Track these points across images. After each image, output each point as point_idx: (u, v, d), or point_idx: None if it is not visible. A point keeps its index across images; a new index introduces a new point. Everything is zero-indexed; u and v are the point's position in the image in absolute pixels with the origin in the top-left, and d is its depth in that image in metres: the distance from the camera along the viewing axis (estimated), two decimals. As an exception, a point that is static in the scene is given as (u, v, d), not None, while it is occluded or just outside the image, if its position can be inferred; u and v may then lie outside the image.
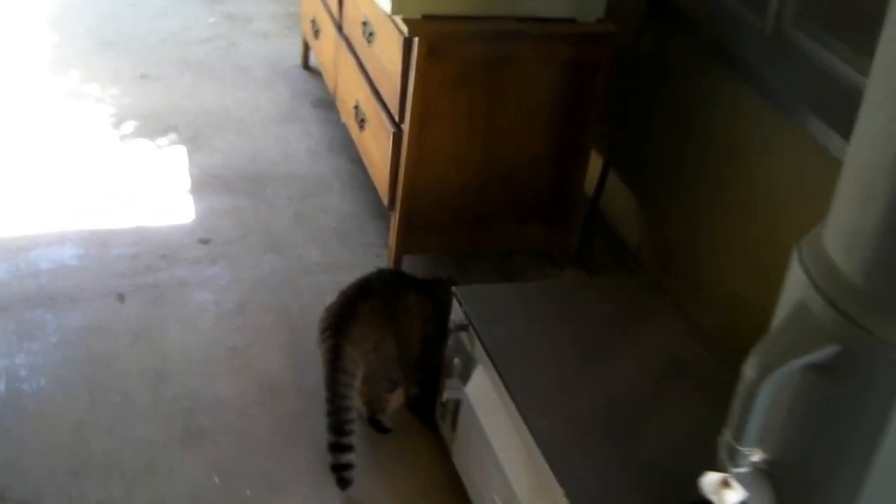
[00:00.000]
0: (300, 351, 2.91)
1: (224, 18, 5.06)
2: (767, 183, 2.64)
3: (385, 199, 3.20)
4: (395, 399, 2.72)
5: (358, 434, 2.51)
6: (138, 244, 3.30)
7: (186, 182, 3.65)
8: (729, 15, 2.84)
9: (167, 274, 3.18)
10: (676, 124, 3.04)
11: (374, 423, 2.68)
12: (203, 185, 3.65)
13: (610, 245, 3.38)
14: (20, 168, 3.64)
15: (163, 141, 3.90)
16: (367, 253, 3.38)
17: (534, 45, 2.98)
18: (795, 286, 1.55)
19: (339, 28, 3.70)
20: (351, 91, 3.53)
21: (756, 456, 1.61)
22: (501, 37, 2.94)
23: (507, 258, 3.41)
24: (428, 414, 2.69)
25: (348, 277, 3.09)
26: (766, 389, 1.53)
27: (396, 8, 2.87)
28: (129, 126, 3.97)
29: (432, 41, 2.87)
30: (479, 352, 2.36)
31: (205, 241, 3.34)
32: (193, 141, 3.92)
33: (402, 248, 3.22)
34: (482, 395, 2.36)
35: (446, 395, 2.49)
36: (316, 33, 4.08)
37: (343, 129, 3.83)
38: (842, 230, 1.46)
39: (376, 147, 3.25)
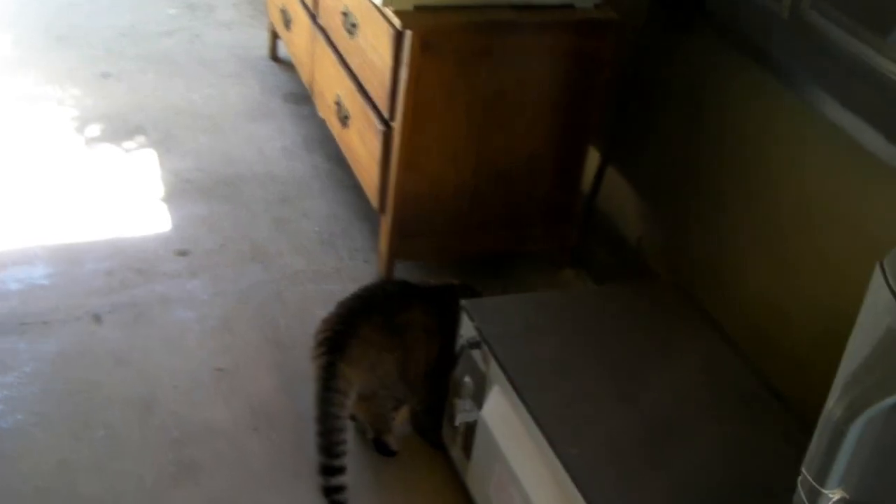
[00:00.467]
0: (290, 370, 2.73)
1: (185, 8, 4.83)
2: (787, 175, 2.49)
3: (374, 202, 3.02)
4: (401, 418, 2.54)
5: (359, 453, 2.40)
6: (112, 258, 3.09)
7: (159, 188, 3.44)
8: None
9: (145, 290, 2.97)
10: (683, 115, 2.88)
11: (379, 445, 2.52)
12: (176, 190, 3.44)
13: (608, 241, 3.21)
14: (-21, 179, 3.41)
15: (130, 144, 3.68)
16: (354, 258, 3.19)
17: (531, 36, 2.80)
18: (881, 311, 1.39)
19: (314, 18, 3.49)
20: (331, 86, 3.33)
21: (837, 496, 1.46)
22: (497, 28, 2.76)
23: (503, 259, 3.23)
24: (435, 434, 2.52)
25: (335, 286, 2.93)
26: (855, 430, 1.38)
27: (388, 0, 2.67)
28: (94, 129, 3.75)
29: (426, 34, 2.69)
30: (494, 371, 2.19)
31: (182, 253, 3.14)
32: (163, 143, 3.70)
33: (394, 254, 3.04)
34: (501, 418, 2.19)
35: (459, 418, 2.31)
36: (287, 24, 3.87)
37: (318, 124, 3.63)
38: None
39: (363, 146, 3.06)
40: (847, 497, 1.46)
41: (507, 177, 3.01)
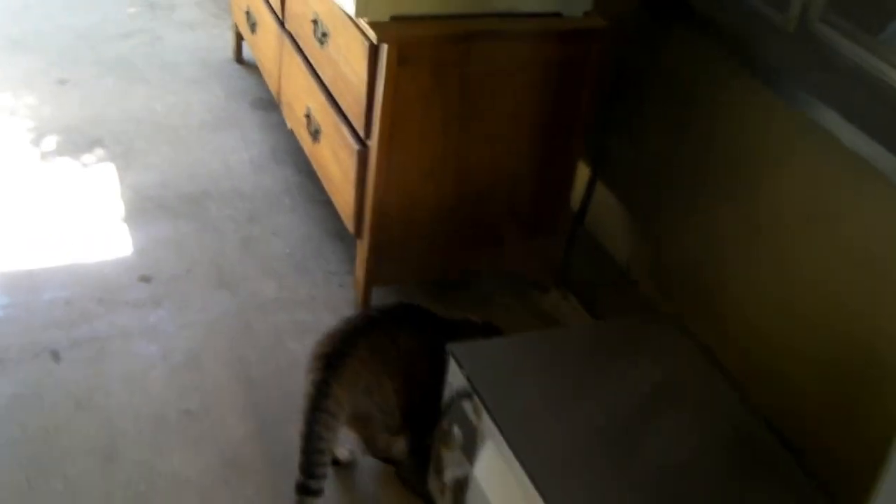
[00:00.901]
0: (263, 411, 2.55)
1: (144, 8, 4.61)
2: (791, 197, 2.33)
3: (350, 226, 2.82)
4: (398, 445, 2.37)
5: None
6: (71, 286, 2.89)
7: (119, 207, 3.24)
8: (743, 9, 2.48)
9: (106, 322, 2.77)
10: (678, 130, 2.70)
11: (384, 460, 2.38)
12: (138, 209, 3.23)
13: (596, 262, 3.03)
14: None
15: (89, 158, 3.47)
16: (328, 283, 3.00)
17: (516, 46, 2.62)
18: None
19: (282, 24, 3.29)
20: (300, 97, 3.13)
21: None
22: (481, 38, 2.57)
23: (485, 281, 3.05)
24: (419, 482, 2.34)
25: (309, 316, 2.77)
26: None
27: (361, 10, 2.47)
28: (51, 142, 3.53)
29: (403, 47, 2.49)
30: (488, 426, 2.01)
31: (146, 279, 2.94)
32: (124, 156, 3.49)
33: (372, 279, 2.85)
34: (496, 478, 2.01)
35: (448, 473, 2.13)
36: (252, 27, 3.66)
37: (287, 132, 3.43)
38: None
39: (336, 165, 2.86)
40: None
41: (489, 194, 2.83)
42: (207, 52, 4.24)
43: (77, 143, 3.54)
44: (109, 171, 3.41)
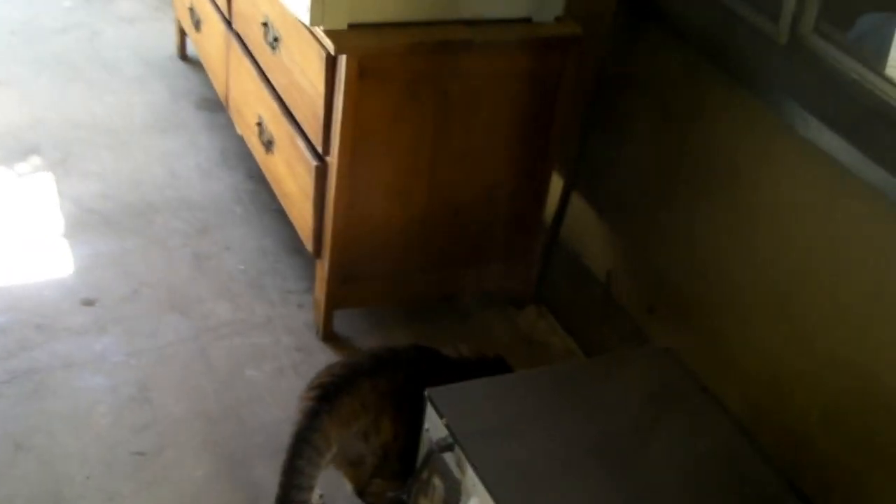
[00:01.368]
0: (223, 450, 2.38)
1: (81, 1, 4.36)
2: (778, 205, 2.21)
3: (308, 245, 2.65)
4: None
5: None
6: (6, 312, 2.69)
7: (58, 221, 3.03)
8: (731, 19, 2.34)
9: (46, 352, 2.58)
10: (657, 139, 2.56)
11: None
12: (79, 223, 3.03)
13: (572, 276, 2.89)
14: None
15: (24, 167, 3.25)
16: (286, 303, 2.83)
17: (488, 55, 2.45)
18: None
19: (229, 24, 3.09)
20: (250, 104, 2.94)
21: None
22: (447, 47, 2.40)
23: (458, 300, 2.89)
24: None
25: (267, 339, 2.62)
26: None
27: (317, 17, 2.29)
28: (-19, 150, 3.31)
29: (364, 58, 2.31)
30: (472, 481, 1.85)
31: (89, 303, 2.75)
32: (62, 164, 3.28)
33: (333, 303, 2.68)
34: (482, 536, 1.85)
35: (427, 528, 1.97)
36: (197, 25, 3.46)
37: (237, 135, 3.23)
38: None
39: (292, 180, 2.68)
40: None
41: (460, 211, 2.67)
42: (149, 48, 4.02)
43: (11, 150, 3.33)
44: (47, 181, 3.20)
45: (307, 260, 2.93)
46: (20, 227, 2.99)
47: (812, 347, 2.13)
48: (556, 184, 2.77)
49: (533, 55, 2.50)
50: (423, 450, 2.04)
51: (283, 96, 2.70)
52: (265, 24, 2.72)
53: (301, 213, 2.66)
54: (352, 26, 2.33)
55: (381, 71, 2.36)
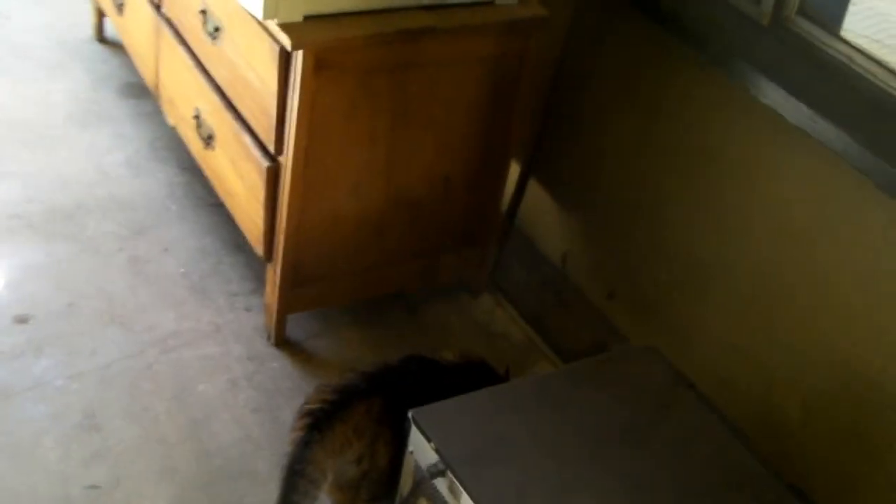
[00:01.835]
0: (182, 476, 2.22)
1: (-17, -18, 4.07)
2: (755, 194, 2.13)
3: (259, 248, 2.48)
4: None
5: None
6: (-69, 335, 2.47)
7: (-21, 230, 2.80)
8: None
9: (-20, 379, 2.37)
10: (619, 119, 2.43)
11: None
12: (2, 231, 2.80)
13: (528, 262, 2.76)
14: None
15: (-65, 170, 3.01)
16: (233, 308, 2.65)
17: (449, 42, 2.30)
18: None
19: (158, 8, 2.88)
20: (186, 95, 2.75)
21: None
22: (408, 36, 2.23)
23: (412, 293, 2.75)
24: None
25: (217, 349, 2.47)
26: None
27: (271, 10, 2.11)
28: None
29: (321, 52, 2.14)
30: (468, 509, 1.72)
31: (22, 320, 2.54)
32: (-23, 165, 3.04)
33: (286, 307, 2.51)
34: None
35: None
36: (119, 7, 3.22)
37: (165, 125, 3.02)
38: None
39: (239, 180, 2.50)
40: None
41: (418, 203, 2.52)
42: (64, 30, 3.75)
43: (-79, 151, 3.08)
44: (-39, 186, 2.96)
45: (250, 258, 2.76)
46: (-62, 237, 2.76)
47: (791, 336, 2.06)
48: (513, 170, 2.64)
49: (496, 39, 2.36)
50: (406, 471, 1.90)
51: (225, 90, 2.51)
52: (203, 13, 2.53)
53: (249, 216, 2.48)
54: (307, 18, 2.15)
55: (338, 64, 2.19)
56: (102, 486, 2.18)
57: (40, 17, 3.81)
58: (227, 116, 2.49)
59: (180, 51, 2.73)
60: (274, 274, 2.47)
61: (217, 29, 2.46)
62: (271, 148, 2.32)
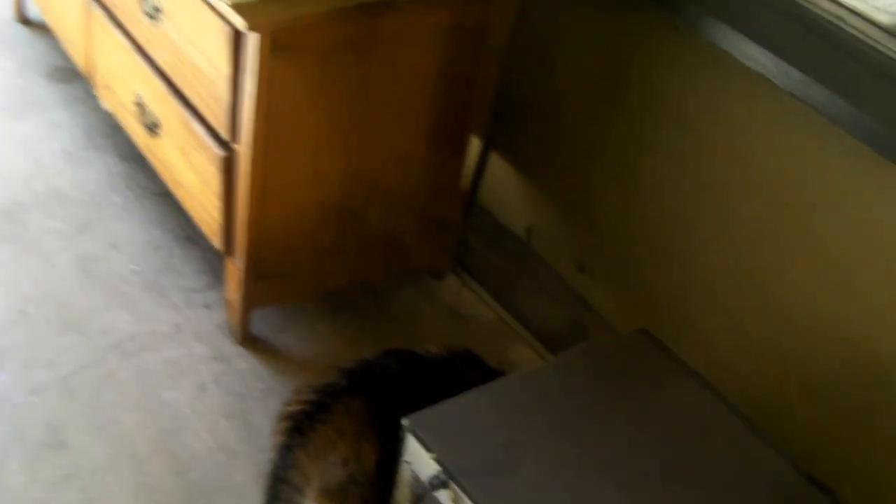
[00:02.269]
0: (159, 494, 2.11)
1: None
2: (739, 161, 2.03)
3: (216, 241, 2.35)
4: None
5: None
6: None
7: (-86, 237, 2.63)
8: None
9: (-68, 402, 2.23)
10: (579, 84, 2.32)
11: None
12: (-61, 236, 2.63)
13: (492, 238, 2.66)
14: None
15: None
16: (191, 305, 2.52)
17: (407, 14, 2.16)
18: None
19: (87, -13, 2.70)
20: (125, 81, 2.59)
21: None
22: (368, 10, 2.09)
23: (375, 281, 2.64)
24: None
25: (180, 350, 2.36)
26: None
27: (221, -9, 1.96)
28: None
29: (278, 33, 2.00)
30: (480, 523, 1.62)
31: (-29, 333, 2.38)
32: None
33: (251, 302, 2.39)
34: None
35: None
36: (41, -13, 3.03)
37: (100, 110, 2.86)
38: None
39: (191, 170, 2.36)
40: None
41: (380, 187, 2.40)
42: (-21, 13, 3.55)
43: None
44: None
45: (203, 250, 2.62)
46: None
47: (786, 311, 1.99)
48: (473, 145, 2.53)
49: (459, 8, 2.22)
50: (402, 483, 1.80)
51: (169, 74, 2.36)
52: (139, -9, 2.36)
53: (203, 207, 2.35)
54: (261, -3, 2.01)
55: (296, 44, 2.05)
56: (74, 509, 2.04)
57: (-48, -1, 3.59)
58: (174, 103, 2.35)
59: (115, 33, 2.56)
60: (235, 268, 2.34)
61: (157, 9, 2.31)
62: (225, 136, 2.18)
